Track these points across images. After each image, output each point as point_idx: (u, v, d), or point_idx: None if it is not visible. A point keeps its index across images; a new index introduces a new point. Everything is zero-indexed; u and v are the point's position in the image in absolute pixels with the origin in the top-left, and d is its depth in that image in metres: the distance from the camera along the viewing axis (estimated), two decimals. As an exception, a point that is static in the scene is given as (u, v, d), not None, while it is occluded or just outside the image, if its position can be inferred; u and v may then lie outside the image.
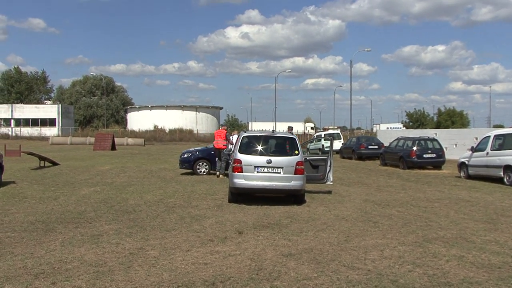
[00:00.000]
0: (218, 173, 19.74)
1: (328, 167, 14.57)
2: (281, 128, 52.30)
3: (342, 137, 44.42)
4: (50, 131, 79.23)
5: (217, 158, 20.09)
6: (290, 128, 22.50)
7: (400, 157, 26.26)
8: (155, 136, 76.55)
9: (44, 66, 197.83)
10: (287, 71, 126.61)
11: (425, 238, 8.87)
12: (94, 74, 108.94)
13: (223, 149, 19.57)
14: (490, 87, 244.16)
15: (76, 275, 6.43)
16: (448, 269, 6.91)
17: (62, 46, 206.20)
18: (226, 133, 20.22)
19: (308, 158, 14.99)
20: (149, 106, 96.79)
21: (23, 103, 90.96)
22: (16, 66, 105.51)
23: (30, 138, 71.77)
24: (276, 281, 6.27)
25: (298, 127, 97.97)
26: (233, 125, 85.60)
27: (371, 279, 6.40)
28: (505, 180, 18.04)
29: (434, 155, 25.58)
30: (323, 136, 41.32)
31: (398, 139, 28.52)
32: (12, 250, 7.72)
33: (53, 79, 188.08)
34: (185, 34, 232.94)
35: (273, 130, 19.76)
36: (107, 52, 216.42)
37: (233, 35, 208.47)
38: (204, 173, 20.64)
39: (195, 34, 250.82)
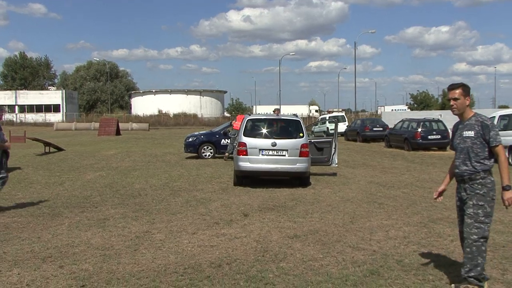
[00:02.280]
0: (227, 154, 19.72)
1: (333, 150, 14.58)
2: (287, 111, 52.22)
3: (346, 119, 44.37)
4: (55, 117, 79.32)
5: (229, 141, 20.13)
6: (277, 110, 22.53)
7: (405, 139, 26.22)
8: (160, 120, 76.52)
9: (46, 52, 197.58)
10: (290, 54, 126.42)
11: (430, 219, 8.89)
12: (97, 59, 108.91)
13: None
14: (495, 67, 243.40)
15: (83, 259, 6.48)
16: (453, 248, 6.93)
17: (63, 31, 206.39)
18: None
19: (313, 140, 14.98)
20: (153, 90, 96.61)
21: (27, 89, 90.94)
22: (22, 51, 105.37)
23: (35, 124, 71.89)
24: (282, 263, 6.30)
25: (303, 110, 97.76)
26: (238, 109, 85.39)
27: (376, 259, 6.43)
28: (510, 160, 18.00)
29: (439, 137, 25.53)
30: (327, 118, 41.25)
31: (402, 121, 28.45)
32: (19, 235, 7.78)
33: (55, 65, 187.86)
34: (187, 17, 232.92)
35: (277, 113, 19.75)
36: (109, 37, 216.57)
37: (235, 18, 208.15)
38: (209, 157, 20.68)
39: (197, 18, 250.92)
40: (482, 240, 5.08)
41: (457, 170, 5.35)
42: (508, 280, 5.61)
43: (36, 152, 23.63)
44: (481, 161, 5.14)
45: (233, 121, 20.82)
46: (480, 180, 5.14)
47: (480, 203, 5.11)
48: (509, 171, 5.06)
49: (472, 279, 5.07)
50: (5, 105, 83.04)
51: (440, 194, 5.69)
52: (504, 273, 5.86)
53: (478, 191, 5.14)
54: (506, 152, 17.80)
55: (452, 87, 5.30)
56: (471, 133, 5.19)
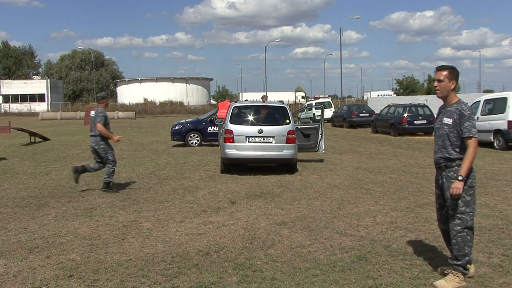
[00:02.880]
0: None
1: (320, 136, 14.58)
2: (273, 98, 52.16)
3: (333, 105, 44.42)
4: (40, 107, 78.54)
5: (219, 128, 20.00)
6: (265, 97, 22.51)
7: (391, 124, 26.33)
8: (146, 109, 76.20)
9: (29, 41, 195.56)
10: (276, 40, 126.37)
11: (417, 204, 8.95)
12: (82, 48, 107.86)
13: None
14: (480, 52, 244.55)
15: (70, 249, 6.45)
16: (439, 233, 6.94)
17: (47, 20, 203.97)
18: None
19: (299, 127, 14.99)
20: (139, 79, 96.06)
21: (11, 79, 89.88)
22: (5, 40, 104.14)
23: (20, 114, 71.15)
24: (270, 250, 6.31)
25: (289, 97, 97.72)
26: (224, 96, 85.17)
27: (364, 245, 6.46)
28: (495, 144, 18.17)
29: (425, 121, 25.65)
30: (314, 105, 41.25)
31: (389, 106, 28.56)
32: (5, 226, 7.72)
33: (39, 54, 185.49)
34: (171, 5, 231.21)
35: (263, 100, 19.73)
36: (94, 25, 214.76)
37: (219, 5, 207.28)
38: (196, 145, 20.64)
39: (181, 5, 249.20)
40: (466, 230, 5.01)
41: (434, 157, 5.30)
42: (494, 264, 5.67)
43: (22, 142, 23.42)
44: (457, 149, 5.03)
45: (217, 110, 20.70)
46: (456, 167, 5.03)
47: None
48: (471, 165, 4.94)
49: (458, 267, 5.06)
50: None
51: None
52: (489, 257, 5.92)
53: (454, 180, 5.00)
54: (490, 136, 18.00)
55: (440, 68, 5.17)
56: (449, 121, 5.05)
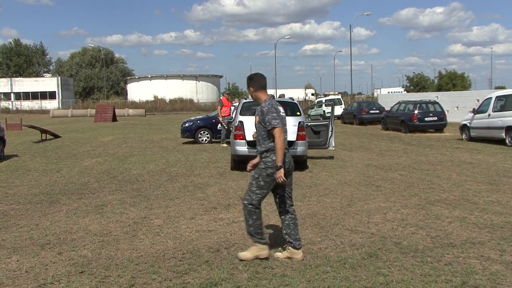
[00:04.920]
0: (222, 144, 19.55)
1: (330, 133, 14.53)
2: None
3: (343, 102, 44.30)
4: (51, 104, 79.02)
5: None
6: (282, 95, 22.53)
7: (402, 121, 26.20)
8: (156, 106, 76.39)
9: (40, 39, 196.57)
10: (286, 37, 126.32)
11: (428, 201, 8.90)
12: (92, 45, 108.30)
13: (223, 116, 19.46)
14: (491, 48, 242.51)
15: (81, 245, 6.48)
16: (451, 230, 6.95)
17: (57, 18, 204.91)
18: (218, 101, 20.36)
19: (309, 124, 14.96)
20: (149, 76, 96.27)
21: (22, 77, 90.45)
22: (16, 39, 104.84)
23: (31, 112, 71.62)
24: (280, 246, 6.30)
25: (299, 94, 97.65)
26: (234, 94, 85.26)
27: (374, 241, 6.44)
28: (507, 141, 18.03)
29: (436, 118, 25.52)
30: (324, 102, 41.15)
31: (399, 103, 28.42)
32: (17, 222, 7.78)
33: (49, 51, 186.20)
34: (180, 2, 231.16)
35: (272, 96, 19.70)
36: (103, 23, 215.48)
37: (228, 2, 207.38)
38: (206, 142, 20.65)
39: (190, 2, 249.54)
40: (250, 206, 5.68)
41: None
42: (507, 261, 5.62)
43: (33, 140, 23.58)
44: (264, 142, 5.70)
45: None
46: (263, 158, 5.70)
47: (256, 175, 5.72)
48: (282, 152, 5.50)
49: (249, 235, 5.84)
50: (1, 93, 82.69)
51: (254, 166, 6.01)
52: (502, 254, 5.88)
53: (260, 166, 5.71)
54: (502, 133, 17.85)
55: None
56: (257, 118, 5.82)
